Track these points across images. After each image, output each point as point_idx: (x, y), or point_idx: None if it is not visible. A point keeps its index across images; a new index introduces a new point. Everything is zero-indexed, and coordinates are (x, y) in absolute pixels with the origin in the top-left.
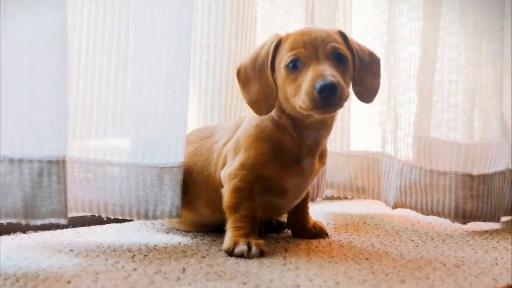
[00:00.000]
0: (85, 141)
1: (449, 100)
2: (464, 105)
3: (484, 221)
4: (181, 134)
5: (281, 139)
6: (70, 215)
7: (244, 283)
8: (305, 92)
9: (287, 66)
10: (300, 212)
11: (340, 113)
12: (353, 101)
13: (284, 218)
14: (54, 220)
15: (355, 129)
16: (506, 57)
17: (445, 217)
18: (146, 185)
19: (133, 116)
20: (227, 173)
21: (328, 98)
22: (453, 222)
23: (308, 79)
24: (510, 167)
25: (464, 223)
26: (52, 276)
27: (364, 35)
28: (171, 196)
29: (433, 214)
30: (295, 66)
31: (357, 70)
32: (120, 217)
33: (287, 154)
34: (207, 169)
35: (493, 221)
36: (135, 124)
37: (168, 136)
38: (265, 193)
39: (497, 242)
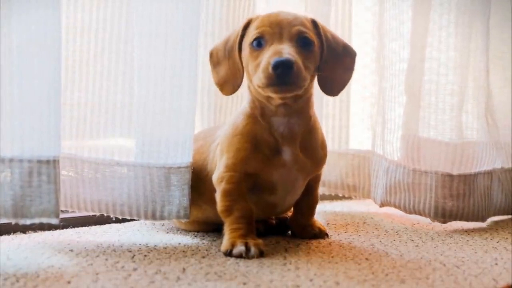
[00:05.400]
0: (94, 140)
1: (436, 100)
2: (448, 105)
3: (466, 220)
4: (188, 133)
5: (254, 131)
6: (71, 215)
7: (244, 283)
8: (262, 69)
9: (251, 43)
10: (302, 213)
11: (332, 112)
12: (352, 101)
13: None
14: (44, 220)
15: (348, 128)
16: (507, 57)
17: (425, 216)
18: (153, 185)
19: (140, 115)
20: (215, 177)
21: (283, 76)
22: (433, 221)
23: (266, 56)
24: (502, 167)
25: (444, 222)
26: (52, 276)
27: (363, 34)
28: (178, 197)
29: (415, 213)
30: (259, 44)
31: (326, 60)
32: (128, 217)
33: (263, 145)
34: (206, 168)
35: (476, 221)
36: (142, 124)
37: (175, 135)
38: (255, 190)
39: (497, 242)
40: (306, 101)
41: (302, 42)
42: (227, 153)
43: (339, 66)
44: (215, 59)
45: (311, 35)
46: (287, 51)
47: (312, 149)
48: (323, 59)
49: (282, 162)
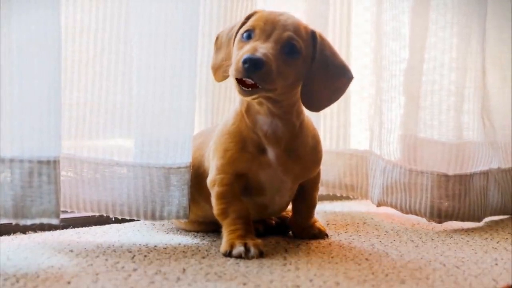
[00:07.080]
0: (93, 140)
1: (433, 100)
2: (446, 105)
3: (462, 220)
4: (188, 133)
5: (241, 129)
6: (71, 215)
7: (244, 284)
8: (235, 61)
9: (242, 34)
10: (301, 215)
11: (330, 111)
12: (351, 102)
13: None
14: (45, 220)
15: (347, 128)
16: (506, 57)
17: (421, 216)
18: (153, 186)
19: (140, 115)
20: (209, 181)
21: (249, 71)
22: (429, 221)
23: (244, 49)
24: (499, 167)
25: (440, 222)
26: (52, 276)
27: (362, 34)
28: (178, 197)
29: (411, 213)
30: (248, 37)
31: (315, 74)
32: (128, 217)
33: (249, 143)
34: (203, 165)
35: (472, 221)
36: (141, 124)
37: (174, 135)
38: (245, 192)
39: (497, 243)
40: (289, 108)
41: (288, 48)
42: (217, 153)
43: (329, 85)
44: (218, 44)
45: (301, 44)
46: (263, 51)
47: (300, 155)
48: (312, 73)
49: (267, 162)
